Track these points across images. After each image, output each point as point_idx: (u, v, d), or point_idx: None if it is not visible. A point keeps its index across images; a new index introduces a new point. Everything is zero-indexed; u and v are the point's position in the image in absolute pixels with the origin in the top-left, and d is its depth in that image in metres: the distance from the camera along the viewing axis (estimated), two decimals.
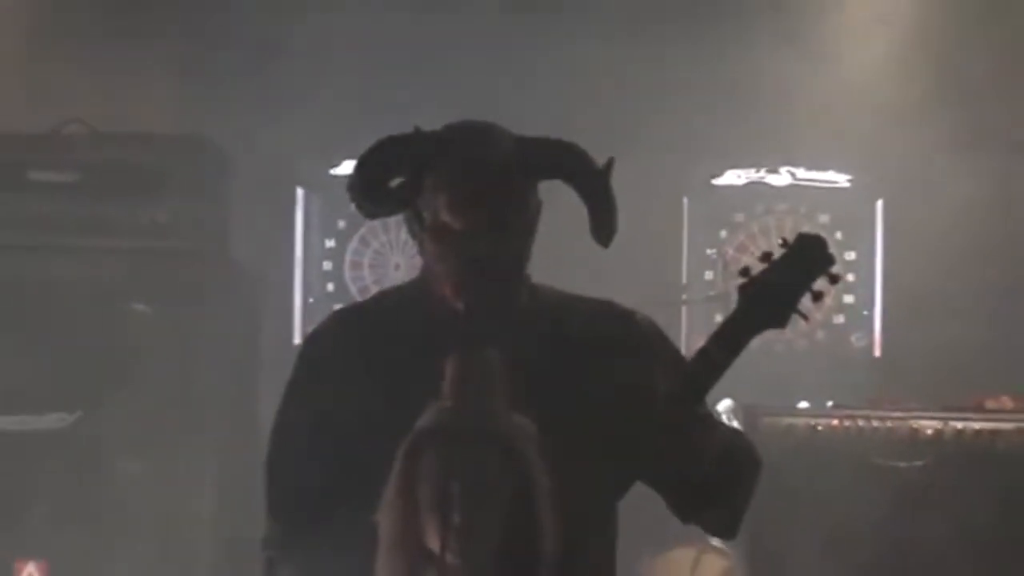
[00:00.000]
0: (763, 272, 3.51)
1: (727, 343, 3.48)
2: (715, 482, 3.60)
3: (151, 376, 6.49)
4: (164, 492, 6.46)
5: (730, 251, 7.25)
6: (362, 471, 3.37)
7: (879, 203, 7.45)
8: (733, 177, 7.48)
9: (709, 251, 7.31)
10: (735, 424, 5.46)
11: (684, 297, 6.85)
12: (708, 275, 7.24)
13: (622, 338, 3.64)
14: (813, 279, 3.53)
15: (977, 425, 6.15)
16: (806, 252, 3.55)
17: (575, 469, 3.37)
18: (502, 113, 3.69)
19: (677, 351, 3.68)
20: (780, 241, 3.55)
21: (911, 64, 7.22)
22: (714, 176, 7.46)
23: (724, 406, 5.28)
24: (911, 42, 7.25)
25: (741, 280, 3.51)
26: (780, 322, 3.51)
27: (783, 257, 3.53)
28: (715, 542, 6.36)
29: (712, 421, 3.61)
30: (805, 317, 3.54)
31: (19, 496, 6.41)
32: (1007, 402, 6.33)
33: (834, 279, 3.54)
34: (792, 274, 3.53)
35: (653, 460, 3.50)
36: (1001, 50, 7.24)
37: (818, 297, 3.51)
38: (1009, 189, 7.21)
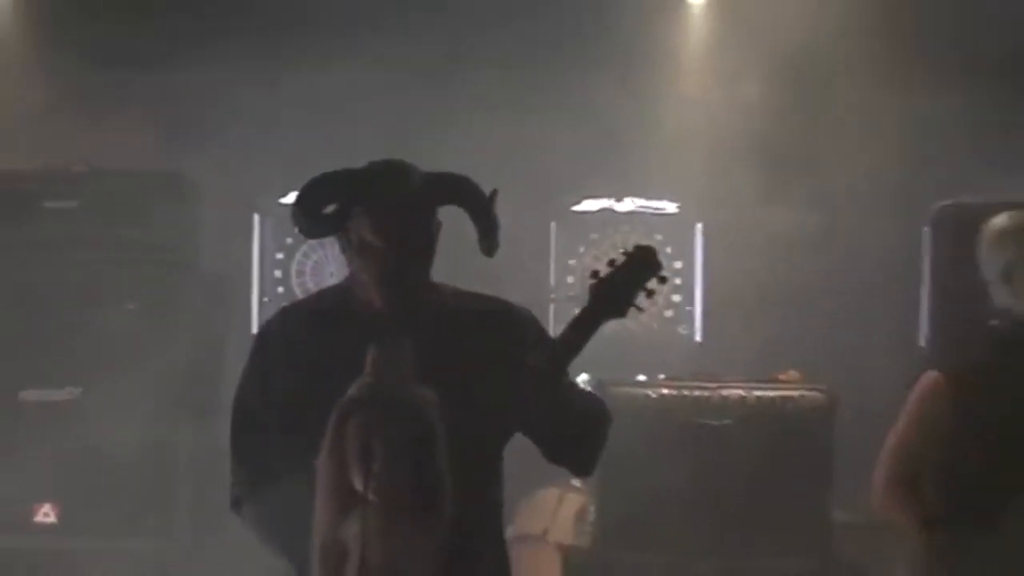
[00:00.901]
0: (608, 274, 3.54)
1: (582, 329, 3.51)
2: (576, 432, 3.64)
3: (140, 358, 6.46)
4: (151, 446, 6.44)
5: (587, 261, 7.22)
6: (304, 429, 3.37)
7: (699, 225, 7.47)
8: (589, 205, 7.48)
9: (571, 262, 7.32)
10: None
11: (552, 296, 6.86)
12: (570, 279, 7.27)
13: (504, 325, 3.67)
14: (647, 280, 3.57)
15: (772, 393, 6.19)
16: (641, 259, 3.58)
17: (468, 425, 3.38)
18: (413, 152, 3.71)
19: (547, 335, 3.70)
20: (621, 251, 3.59)
21: (726, 114, 7.19)
22: (574, 204, 7.46)
23: (582, 378, 5.30)
24: (728, 94, 7.24)
25: (592, 281, 3.55)
26: (620, 313, 3.55)
27: (623, 263, 3.56)
28: (575, 482, 6.35)
29: (574, 387, 3.65)
30: (640, 309, 3.57)
31: (38, 451, 6.36)
32: (795, 375, 6.38)
33: (663, 280, 3.59)
34: (630, 276, 3.56)
35: (529, 417, 3.52)
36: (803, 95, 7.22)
37: (650, 294, 3.56)
38: (803, 214, 7.17)
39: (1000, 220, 4.42)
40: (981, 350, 4.38)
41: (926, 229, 5.89)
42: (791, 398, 6.16)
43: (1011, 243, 4.35)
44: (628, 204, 7.50)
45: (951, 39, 6.57)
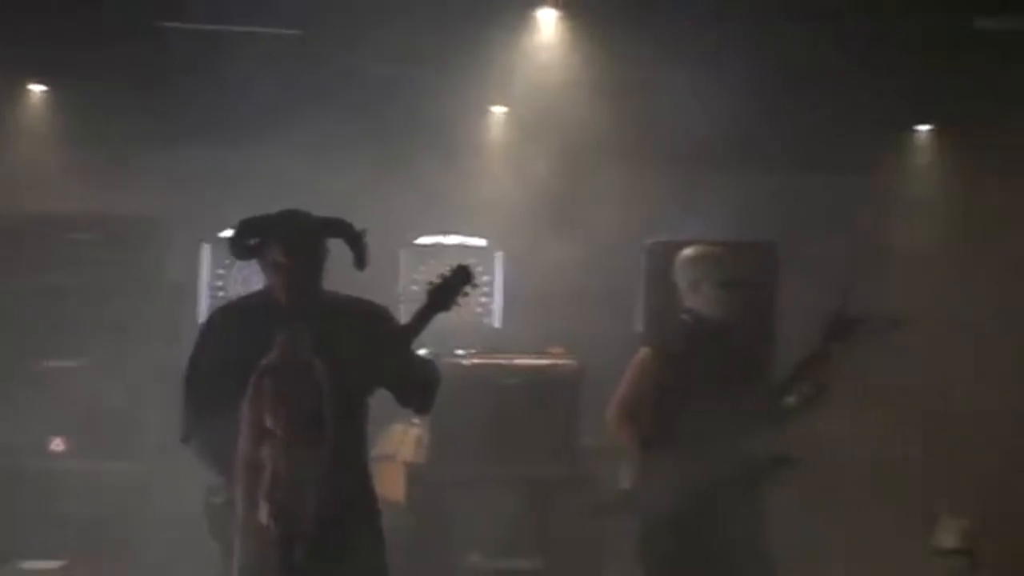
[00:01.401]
0: (438, 283, 3.54)
1: (421, 318, 3.52)
2: (418, 386, 3.63)
3: (126, 339, 6.35)
4: (131, 398, 6.32)
5: (424, 276, 7.13)
6: (234, 385, 3.32)
7: (499, 253, 7.47)
8: (425, 240, 7.44)
9: (414, 276, 7.24)
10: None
11: (400, 299, 6.80)
12: (414, 288, 7.16)
13: (371, 316, 3.65)
14: (464, 286, 3.57)
15: (544, 361, 6.20)
16: (460, 273, 3.59)
17: (346, 383, 3.36)
18: (313, 201, 3.68)
19: (398, 322, 3.67)
20: (448, 268, 3.60)
21: (518, 181, 7.11)
22: (415, 239, 7.42)
23: (423, 351, 5.26)
24: (520, 168, 7.15)
25: (428, 287, 3.54)
26: (447, 308, 3.56)
27: (448, 275, 3.58)
28: (415, 420, 6.29)
29: (417, 356, 3.64)
30: (459, 305, 3.59)
31: (53, 403, 6.23)
32: (559, 350, 6.40)
33: (475, 286, 3.60)
34: (453, 284, 3.57)
35: (387, 376, 3.51)
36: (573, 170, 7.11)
37: (466, 295, 3.57)
38: (569, 245, 7.04)
39: (689, 251, 4.53)
40: (675, 334, 4.46)
41: (642, 256, 5.96)
42: (557, 365, 6.19)
43: (695, 266, 4.46)
44: (452, 239, 7.47)
45: (642, 133, 6.65)
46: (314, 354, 3.28)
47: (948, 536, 7.00)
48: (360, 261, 3.55)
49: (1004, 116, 6.57)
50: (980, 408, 7.34)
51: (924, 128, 7.92)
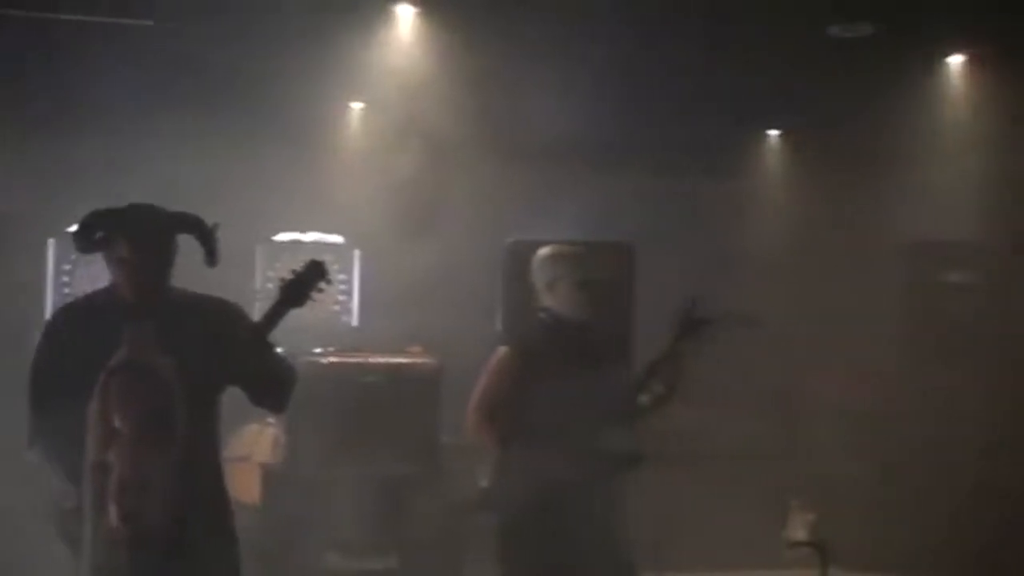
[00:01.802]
0: (291, 279, 3.51)
1: (274, 314, 3.48)
2: (273, 384, 3.58)
3: None
4: None
5: (281, 273, 7.09)
6: (80, 387, 3.25)
7: (357, 252, 7.45)
8: (283, 236, 7.38)
9: (270, 273, 7.17)
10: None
11: (256, 295, 6.72)
12: (270, 285, 7.08)
13: (221, 313, 3.59)
14: (318, 282, 3.54)
15: (402, 360, 6.20)
16: (314, 268, 3.56)
17: (196, 381, 3.31)
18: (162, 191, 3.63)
19: (251, 319, 3.62)
20: (302, 264, 3.57)
21: (376, 179, 7.07)
22: (272, 235, 7.35)
23: (279, 350, 5.23)
24: (378, 166, 7.11)
25: (280, 283, 3.50)
26: (300, 304, 3.52)
27: (301, 271, 3.55)
28: (271, 419, 6.25)
29: (273, 354, 3.57)
30: (314, 301, 3.56)
31: None
32: (418, 349, 6.42)
33: (328, 282, 3.57)
34: (307, 280, 3.54)
35: (240, 374, 3.45)
36: (432, 168, 7.07)
37: (320, 291, 3.54)
38: (423, 244, 7.04)
39: (546, 250, 4.57)
40: (533, 333, 4.50)
41: (502, 255, 6.01)
42: (415, 363, 6.21)
43: (552, 265, 4.50)
44: (310, 236, 7.43)
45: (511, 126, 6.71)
46: (163, 353, 3.23)
47: (798, 529, 7.24)
48: (211, 257, 3.48)
49: (851, 121, 6.82)
50: (829, 405, 7.63)
51: (775, 132, 8.17)
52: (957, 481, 6.67)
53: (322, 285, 3.54)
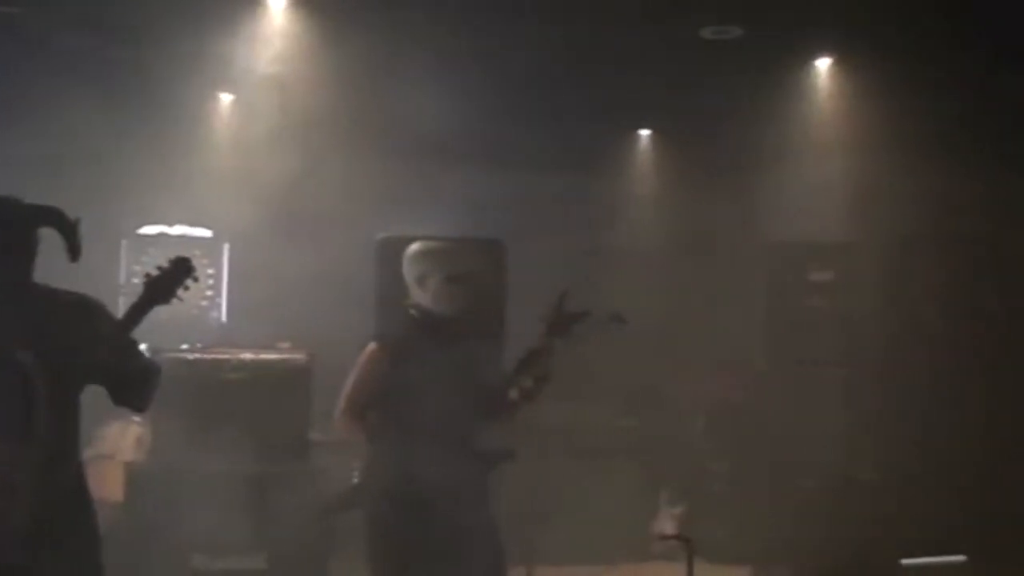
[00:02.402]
0: (157, 275, 3.47)
1: (138, 311, 3.44)
2: (136, 382, 3.53)
3: None
4: None
5: (147, 269, 6.98)
6: None
7: (226, 245, 7.38)
8: (149, 229, 7.28)
9: (136, 267, 7.09)
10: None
11: (121, 290, 6.63)
12: (135, 280, 6.96)
13: (82, 310, 3.54)
14: (185, 279, 3.52)
15: (272, 356, 6.13)
16: (180, 264, 3.53)
17: (57, 378, 3.27)
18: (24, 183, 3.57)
19: (114, 316, 3.58)
20: (168, 260, 3.54)
21: (248, 171, 6.99)
22: (138, 228, 7.25)
23: (143, 346, 5.17)
24: (251, 159, 7.03)
25: (145, 279, 3.48)
26: (166, 301, 3.49)
27: (168, 267, 3.51)
28: (135, 417, 6.17)
29: (136, 351, 3.53)
30: (180, 299, 3.53)
31: None
32: (287, 345, 6.32)
33: (195, 279, 3.54)
34: (173, 276, 3.51)
35: (101, 372, 3.41)
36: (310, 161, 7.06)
37: (187, 288, 3.51)
38: (293, 241, 7.09)
39: (416, 245, 4.58)
40: (402, 328, 4.51)
41: (373, 250, 6.00)
42: (284, 359, 6.13)
43: (422, 260, 4.52)
44: (177, 229, 7.35)
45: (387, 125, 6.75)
46: (23, 349, 3.18)
47: (667, 523, 7.43)
48: (73, 251, 3.43)
49: (722, 121, 7.00)
50: (698, 401, 7.82)
51: (646, 132, 8.33)
52: (820, 474, 6.85)
53: (189, 282, 3.51)
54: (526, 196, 7.75)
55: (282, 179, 6.90)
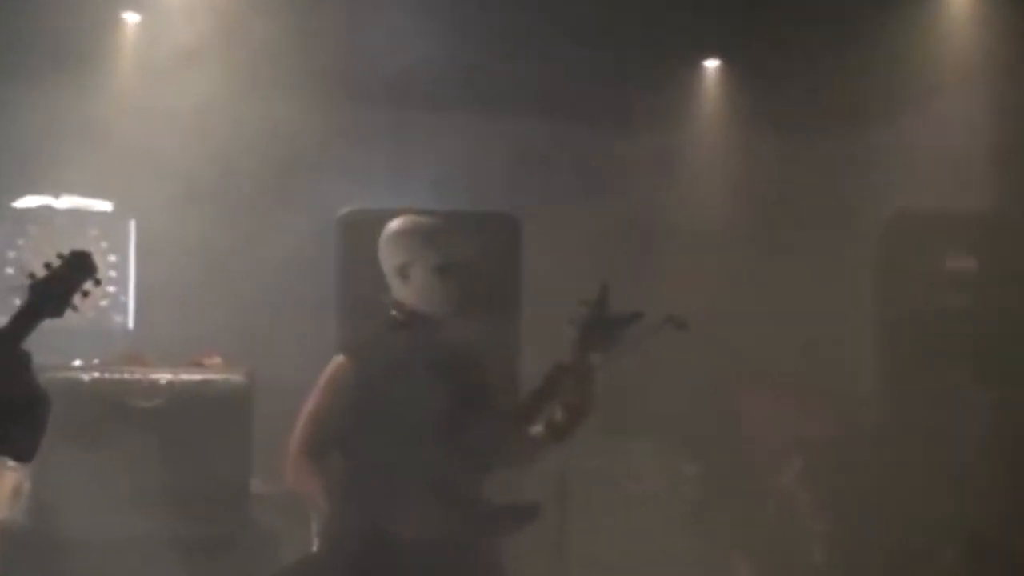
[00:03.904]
0: (45, 277, 3.46)
1: (21, 324, 3.42)
2: (19, 418, 3.50)
3: None
4: None
5: (27, 256, 6.99)
6: None
7: (132, 223, 7.37)
8: (28, 202, 7.28)
9: (10, 254, 7.10)
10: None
11: None
12: (9, 271, 7.03)
13: None
14: (82, 283, 3.50)
15: (196, 376, 6.16)
16: (76, 264, 3.51)
17: None
18: None
19: None
20: (58, 256, 3.51)
21: (158, 122, 7.05)
22: (13, 201, 7.24)
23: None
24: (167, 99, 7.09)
25: (29, 282, 3.46)
26: (58, 313, 3.47)
27: (59, 268, 3.49)
28: (11, 464, 6.14)
29: (22, 378, 3.46)
30: (76, 309, 3.50)
31: None
32: (217, 360, 6.38)
33: (97, 282, 3.52)
34: (66, 279, 3.48)
35: None
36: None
37: (85, 294, 3.50)
38: (218, 222, 7.11)
39: (394, 224, 4.56)
40: (378, 336, 4.50)
41: (334, 230, 6.00)
42: (213, 381, 6.16)
43: (404, 244, 4.50)
44: (66, 201, 7.33)
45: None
46: None
47: None
48: None
49: (816, 53, 6.95)
50: (787, 437, 7.78)
51: (712, 64, 8.28)
52: (960, 539, 6.88)
53: (88, 287, 3.50)
54: (546, 155, 7.71)
55: (210, 130, 6.87)
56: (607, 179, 7.90)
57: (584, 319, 4.32)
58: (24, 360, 3.43)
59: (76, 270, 3.48)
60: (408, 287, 4.48)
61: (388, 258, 4.51)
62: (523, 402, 4.40)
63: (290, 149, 7.06)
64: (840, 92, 7.17)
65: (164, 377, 6.11)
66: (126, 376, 6.12)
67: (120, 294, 7.37)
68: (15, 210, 7.22)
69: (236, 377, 6.16)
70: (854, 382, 7.58)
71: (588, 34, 6.94)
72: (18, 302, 3.45)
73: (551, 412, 4.34)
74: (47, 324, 3.54)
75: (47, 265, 3.47)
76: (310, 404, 4.40)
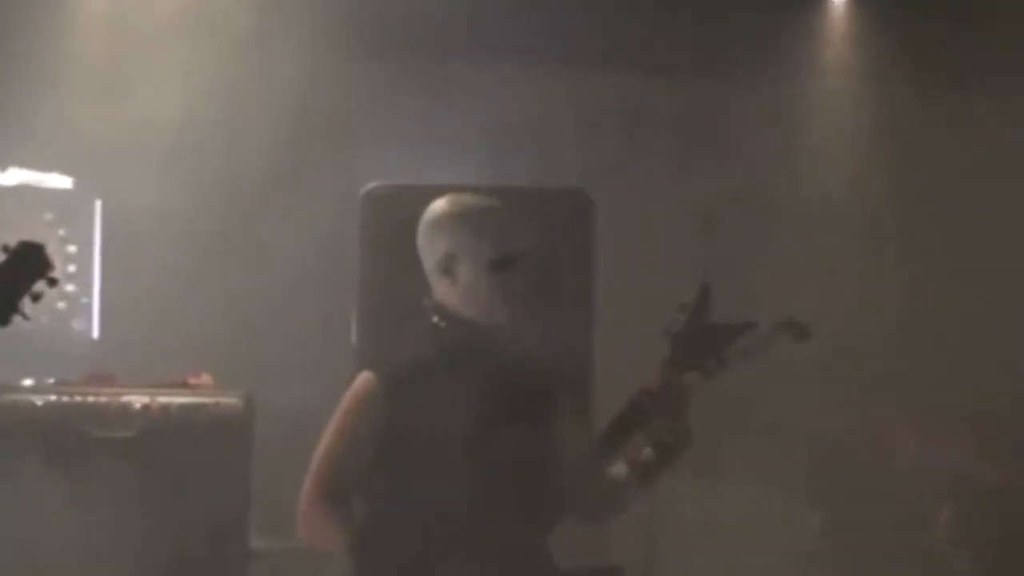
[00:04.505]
0: None
1: None
2: None
3: None
4: None
5: None
6: None
7: (98, 204, 7.40)
8: None
9: None
10: None
11: None
12: None
13: None
14: (33, 282, 3.52)
15: (181, 399, 6.17)
16: (26, 259, 3.53)
17: None
18: None
19: None
20: (2, 247, 3.53)
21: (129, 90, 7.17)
22: None
23: None
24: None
25: None
26: (2, 321, 3.50)
27: (4, 263, 3.51)
28: None
29: None
30: (27, 317, 3.53)
31: None
32: (207, 379, 6.39)
33: (52, 282, 3.54)
34: (13, 279, 3.51)
35: None
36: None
37: (37, 298, 3.53)
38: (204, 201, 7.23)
39: (438, 205, 4.55)
40: (416, 348, 4.50)
41: (358, 211, 5.99)
42: (204, 405, 6.16)
43: (448, 230, 4.48)
44: (16, 176, 7.38)
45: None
46: None
47: None
48: None
49: None
50: (936, 478, 7.76)
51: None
52: None
53: (41, 287, 3.52)
54: (624, 114, 7.72)
55: (199, 93, 6.91)
56: (703, 146, 7.90)
57: (680, 329, 4.32)
58: None
59: (25, 266, 3.51)
60: (455, 287, 4.48)
61: (429, 249, 4.51)
62: (600, 436, 4.38)
63: (302, 112, 7.13)
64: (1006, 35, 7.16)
65: (138, 401, 6.12)
66: (90, 399, 6.13)
67: (82, 295, 7.42)
68: None
69: (231, 401, 6.16)
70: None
71: None
72: None
73: (636, 449, 4.35)
74: None
75: None
76: (328, 435, 4.41)
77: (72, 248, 7.34)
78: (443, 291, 4.50)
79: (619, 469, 4.37)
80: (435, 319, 4.51)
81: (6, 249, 3.51)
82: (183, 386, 6.31)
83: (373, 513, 4.40)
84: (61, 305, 7.27)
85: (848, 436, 7.85)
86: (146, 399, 6.13)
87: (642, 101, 7.79)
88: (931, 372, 7.75)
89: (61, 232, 7.26)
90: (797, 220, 7.75)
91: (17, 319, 3.54)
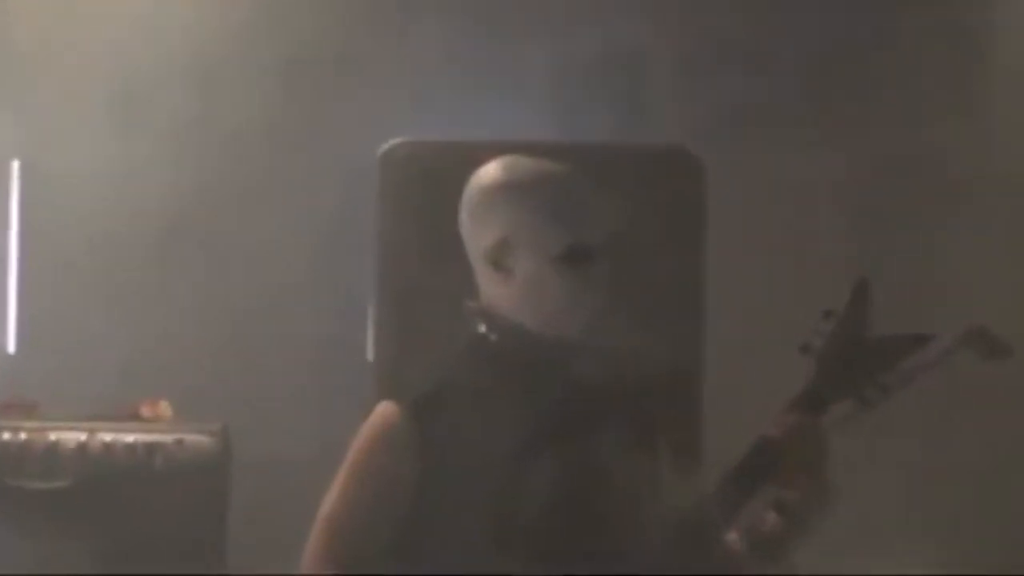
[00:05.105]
0: None
1: None
2: None
3: None
4: None
5: None
6: None
7: (15, 164, 7.49)
8: None
9: None
10: None
11: None
12: None
13: None
14: None
15: (131, 437, 6.19)
16: None
17: None
18: None
19: None
20: None
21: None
22: None
23: None
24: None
25: None
26: None
27: None
28: None
29: None
30: None
31: None
32: (166, 409, 6.40)
33: None
34: None
35: None
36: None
37: None
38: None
39: (489, 171, 4.54)
40: (461, 368, 4.53)
41: (374, 176, 6.02)
42: (159, 445, 6.19)
43: (503, 208, 4.48)
44: None
45: None
46: None
47: None
48: None
49: None
50: None
51: None
52: None
53: None
54: (737, 51, 7.73)
55: (159, 26, 7.02)
56: (848, 93, 7.94)
57: (826, 344, 4.33)
58: None
59: None
60: (509, 285, 4.49)
61: (475, 234, 4.52)
62: (715, 492, 4.39)
63: (295, 45, 7.30)
64: None
65: (72, 438, 6.16)
66: (4, 437, 6.17)
67: None
68: None
69: (198, 438, 6.22)
70: None
71: None
72: None
73: (758, 512, 4.36)
74: None
75: None
76: (339, 485, 4.44)
77: None
78: (493, 290, 4.52)
79: (735, 537, 4.40)
80: (482, 328, 4.53)
81: None
82: (133, 418, 6.33)
83: (403, 567, 4.40)
84: None
85: None
86: (82, 436, 6.17)
87: (765, 34, 7.79)
88: None
89: None
90: (985, 194, 7.76)
91: None
